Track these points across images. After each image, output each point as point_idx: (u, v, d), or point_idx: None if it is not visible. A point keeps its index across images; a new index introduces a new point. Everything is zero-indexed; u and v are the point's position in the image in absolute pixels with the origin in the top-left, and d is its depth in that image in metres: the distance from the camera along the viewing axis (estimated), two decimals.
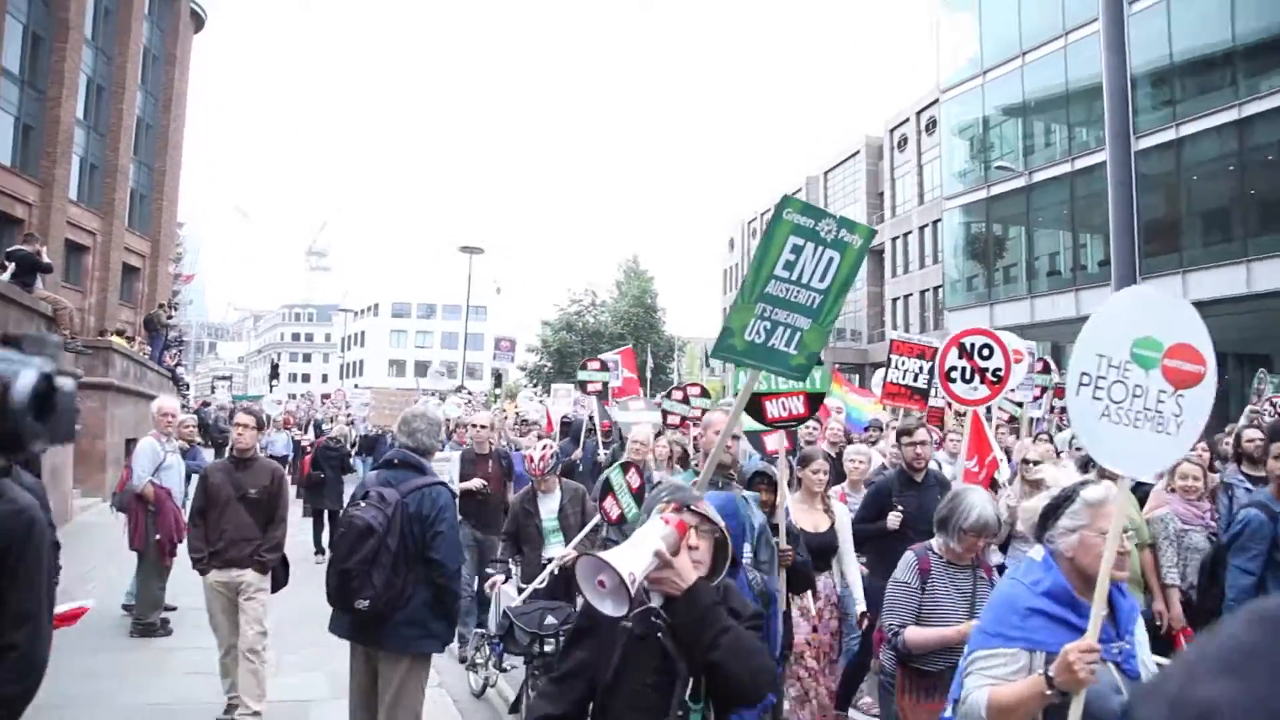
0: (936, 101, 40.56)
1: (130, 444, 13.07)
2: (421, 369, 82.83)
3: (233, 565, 5.94)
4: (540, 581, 6.13)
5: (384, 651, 4.55)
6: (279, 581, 6.17)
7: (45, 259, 13.70)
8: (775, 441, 5.88)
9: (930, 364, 8.85)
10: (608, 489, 5.91)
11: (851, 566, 6.03)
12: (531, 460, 6.71)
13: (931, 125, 44.25)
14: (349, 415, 23.41)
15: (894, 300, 48.28)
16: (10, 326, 10.89)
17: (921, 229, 46.06)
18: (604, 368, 12.94)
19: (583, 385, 12.96)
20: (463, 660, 7.50)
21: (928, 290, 45.10)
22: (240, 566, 5.95)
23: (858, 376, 44.79)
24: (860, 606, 5.94)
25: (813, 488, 5.97)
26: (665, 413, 10.74)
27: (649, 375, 34.95)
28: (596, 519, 6.12)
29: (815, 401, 5.07)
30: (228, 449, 6.36)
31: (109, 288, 32.87)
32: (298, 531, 12.66)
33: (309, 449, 14.53)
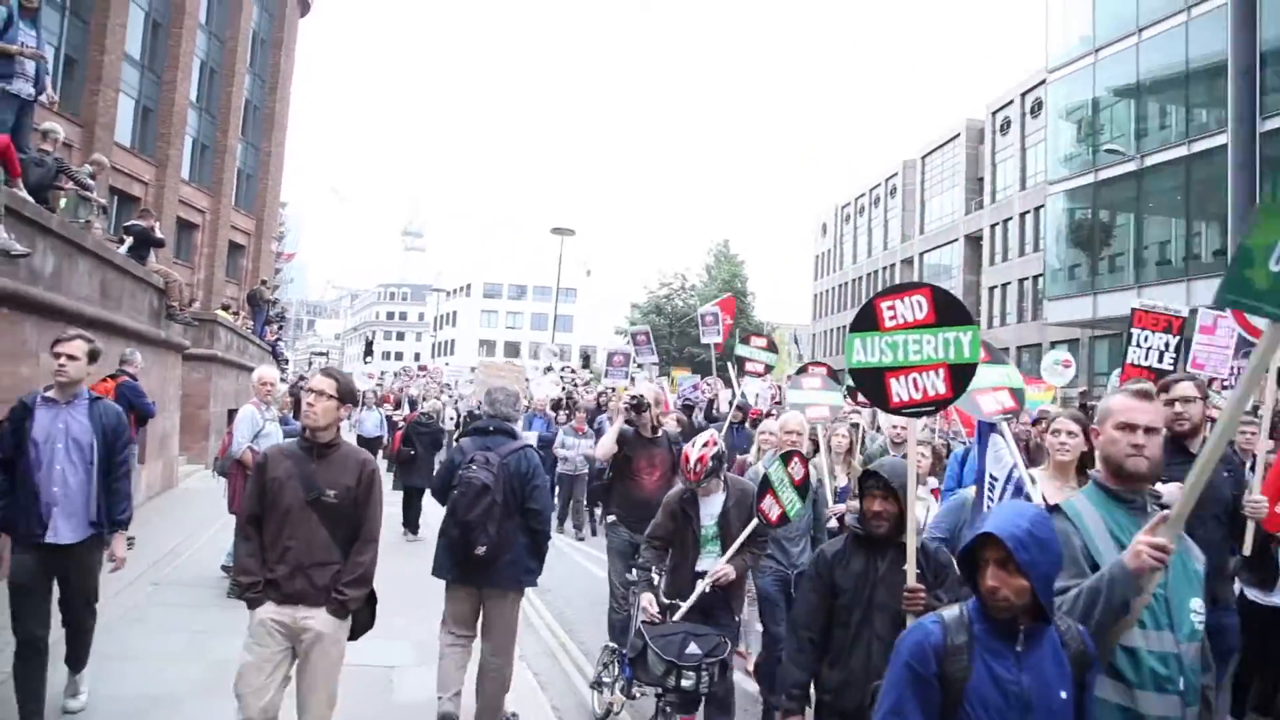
0: (1043, 83, 39.10)
1: (232, 414, 13.52)
2: (512, 349, 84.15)
3: (298, 601, 4.11)
4: (691, 600, 5.12)
5: (491, 589, 5.41)
6: (361, 626, 4.37)
7: (158, 234, 14.20)
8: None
9: (1179, 338, 7.55)
10: (766, 486, 5.26)
11: None
12: (688, 460, 5.36)
13: (1036, 107, 42.70)
14: (450, 392, 23.85)
15: (990, 289, 46.90)
16: (125, 297, 11.34)
17: (1022, 215, 44.56)
18: (771, 347, 11.70)
19: (740, 364, 11.74)
20: (594, 685, 6.17)
21: (1026, 279, 43.64)
22: (309, 604, 4.12)
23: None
24: None
25: (1059, 457, 4.51)
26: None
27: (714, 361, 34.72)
28: (753, 524, 5.24)
29: (962, 378, 3.75)
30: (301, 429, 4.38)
31: (216, 264, 34.16)
32: (388, 504, 12.90)
33: (401, 424, 14.64)
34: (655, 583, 5.34)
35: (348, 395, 4.31)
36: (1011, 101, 46.22)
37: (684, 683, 4.66)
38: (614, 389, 14.56)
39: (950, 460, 6.63)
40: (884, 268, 60.08)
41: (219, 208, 34.28)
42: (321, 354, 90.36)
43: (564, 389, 20.33)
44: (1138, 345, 7.57)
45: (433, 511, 13.10)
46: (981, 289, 47.83)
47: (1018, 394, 5.36)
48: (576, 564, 11.40)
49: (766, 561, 5.91)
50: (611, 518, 7.23)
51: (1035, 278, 42.01)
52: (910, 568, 3.59)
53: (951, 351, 3.70)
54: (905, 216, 58.59)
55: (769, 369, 11.66)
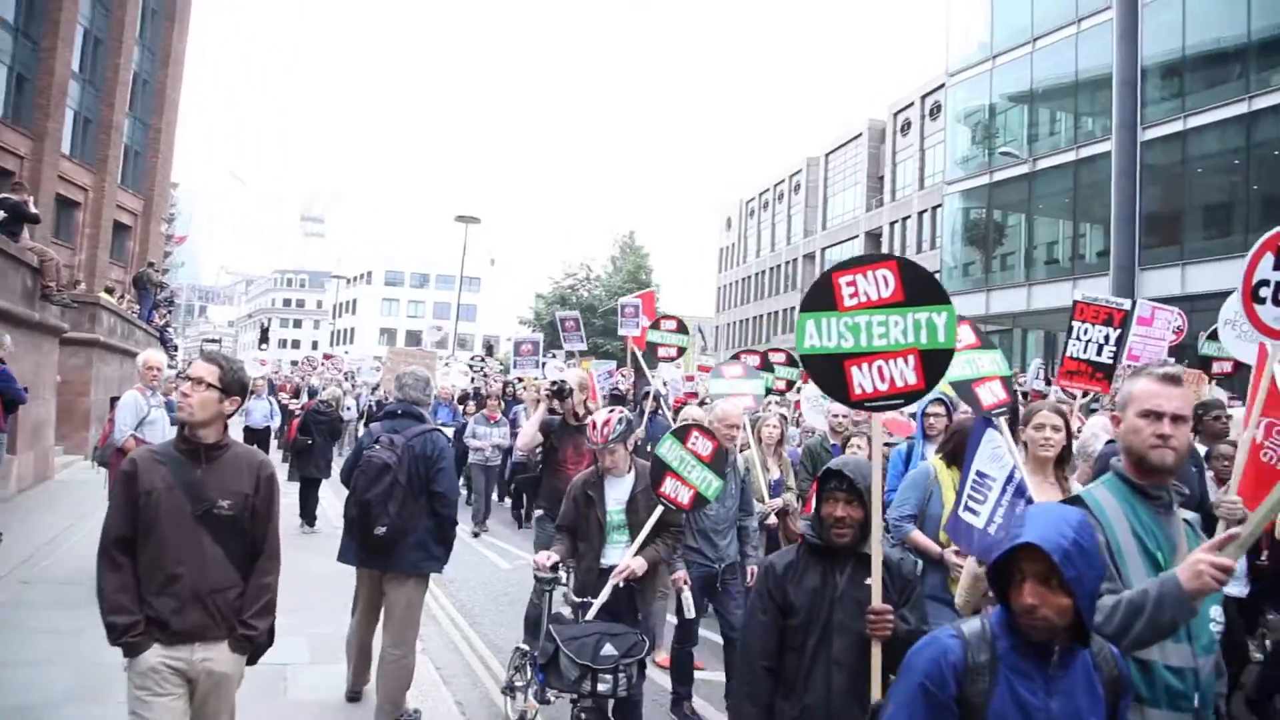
0: (942, 86, 40.24)
1: (115, 401, 12.85)
2: (413, 338, 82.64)
3: (194, 638, 3.39)
4: (601, 598, 4.78)
5: (392, 573, 5.36)
6: (261, 647, 3.65)
7: (33, 209, 13.40)
8: (990, 395, 4.88)
9: (1119, 332, 7.27)
10: (662, 468, 4.89)
11: None
12: (594, 427, 5.03)
13: (936, 110, 43.98)
14: (354, 380, 23.08)
15: None
16: None
17: (920, 214, 45.89)
18: (681, 328, 11.23)
19: (653, 350, 11.39)
20: (505, 689, 5.63)
21: None
22: (209, 639, 3.43)
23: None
24: None
25: (1040, 453, 4.41)
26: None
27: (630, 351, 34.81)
28: (658, 511, 4.90)
29: (935, 366, 3.27)
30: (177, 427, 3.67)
31: (99, 245, 32.45)
32: (284, 494, 12.44)
33: (297, 413, 14.11)
34: (564, 580, 5.11)
35: (234, 386, 3.51)
36: (912, 103, 47.48)
37: (600, 686, 4.31)
38: (521, 380, 14.21)
39: (892, 457, 6.58)
40: (786, 262, 61.06)
41: (103, 186, 32.54)
42: (214, 341, 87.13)
43: (473, 379, 19.94)
44: (1077, 338, 7.44)
45: (331, 504, 12.78)
46: None
47: (1008, 383, 5.21)
48: (478, 554, 11.22)
49: (690, 555, 5.69)
50: (539, 511, 6.95)
51: (934, 274, 43.12)
52: (876, 584, 3.13)
53: (924, 335, 3.22)
54: (808, 212, 59.64)
55: (681, 351, 11.30)
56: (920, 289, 3.27)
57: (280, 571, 3.69)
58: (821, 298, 3.37)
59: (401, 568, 5.32)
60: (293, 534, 10.93)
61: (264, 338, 50.65)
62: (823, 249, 57.21)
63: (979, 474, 3.84)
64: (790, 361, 11.32)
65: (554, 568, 4.99)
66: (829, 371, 3.37)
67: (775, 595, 3.28)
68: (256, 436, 14.87)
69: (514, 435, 13.15)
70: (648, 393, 10.40)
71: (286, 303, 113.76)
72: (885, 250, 48.94)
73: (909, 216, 47.05)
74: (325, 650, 6.27)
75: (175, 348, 29.60)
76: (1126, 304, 7.47)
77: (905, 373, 3.26)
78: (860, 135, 53.63)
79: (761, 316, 64.42)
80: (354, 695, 5.70)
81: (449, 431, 13.26)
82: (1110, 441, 5.43)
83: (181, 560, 3.35)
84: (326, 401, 13.07)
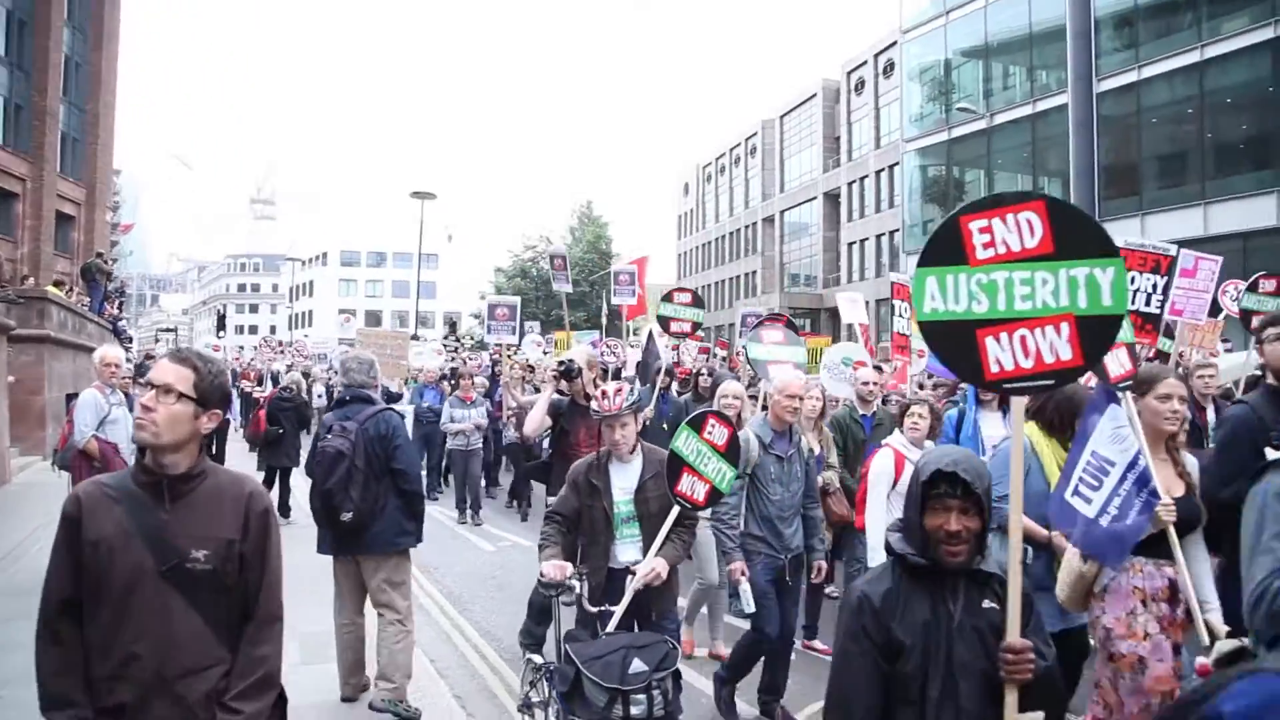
0: (894, 44, 40.11)
1: (71, 399, 12.39)
2: (373, 318, 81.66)
3: None
4: (621, 607, 4.18)
5: (368, 555, 5.37)
6: None
7: None
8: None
9: (1166, 280, 6.69)
10: (678, 464, 4.35)
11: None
12: (605, 395, 4.44)
13: (889, 68, 43.78)
14: (321, 365, 22.52)
15: (850, 245, 48.19)
16: None
17: (878, 173, 45.80)
18: (696, 301, 10.72)
19: (664, 324, 10.65)
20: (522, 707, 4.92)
21: (884, 234, 44.97)
22: None
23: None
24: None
25: (1165, 426, 4.01)
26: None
27: (604, 321, 34.55)
28: (674, 512, 4.35)
29: (1098, 337, 2.67)
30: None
31: (42, 237, 31.36)
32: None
33: (262, 401, 13.66)
34: (578, 591, 4.25)
35: (213, 394, 2.58)
36: (865, 62, 47.23)
37: (634, 710, 3.72)
38: (503, 352, 13.75)
39: (944, 424, 6.04)
40: (745, 226, 60.97)
41: (41, 175, 31.37)
42: (169, 330, 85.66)
43: (448, 358, 19.50)
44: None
45: (304, 491, 12.49)
46: (841, 245, 49.10)
47: (1133, 351, 4.50)
48: (461, 538, 11.02)
49: (755, 546, 5.20)
50: (554, 499, 6.08)
51: (892, 233, 43.32)
52: (1014, 615, 2.48)
53: (1082, 296, 2.60)
54: (765, 175, 59.45)
55: (696, 326, 10.73)
56: (1077, 237, 2.61)
57: (282, 643, 2.68)
58: (947, 248, 2.71)
59: (376, 549, 5.36)
60: None
61: (221, 325, 49.42)
62: (781, 211, 57.16)
63: (1095, 455, 3.34)
64: (696, 301, 11.06)
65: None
66: (956, 343, 2.73)
67: (874, 634, 2.53)
68: (212, 432, 14.17)
69: (493, 415, 12.86)
70: (659, 368, 9.85)
71: (241, 288, 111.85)
72: (844, 211, 48.95)
73: (866, 176, 46.96)
74: (317, 649, 6.03)
75: (129, 339, 28.93)
76: (1173, 250, 7.30)
77: (1057, 345, 2.63)
78: (815, 96, 53.37)
79: (723, 281, 64.31)
80: (349, 696, 5.55)
81: (410, 411, 13.05)
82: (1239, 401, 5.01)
83: (143, 634, 2.42)
84: (288, 388, 12.66)
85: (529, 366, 14.54)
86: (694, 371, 11.15)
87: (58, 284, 22.97)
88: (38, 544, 9.37)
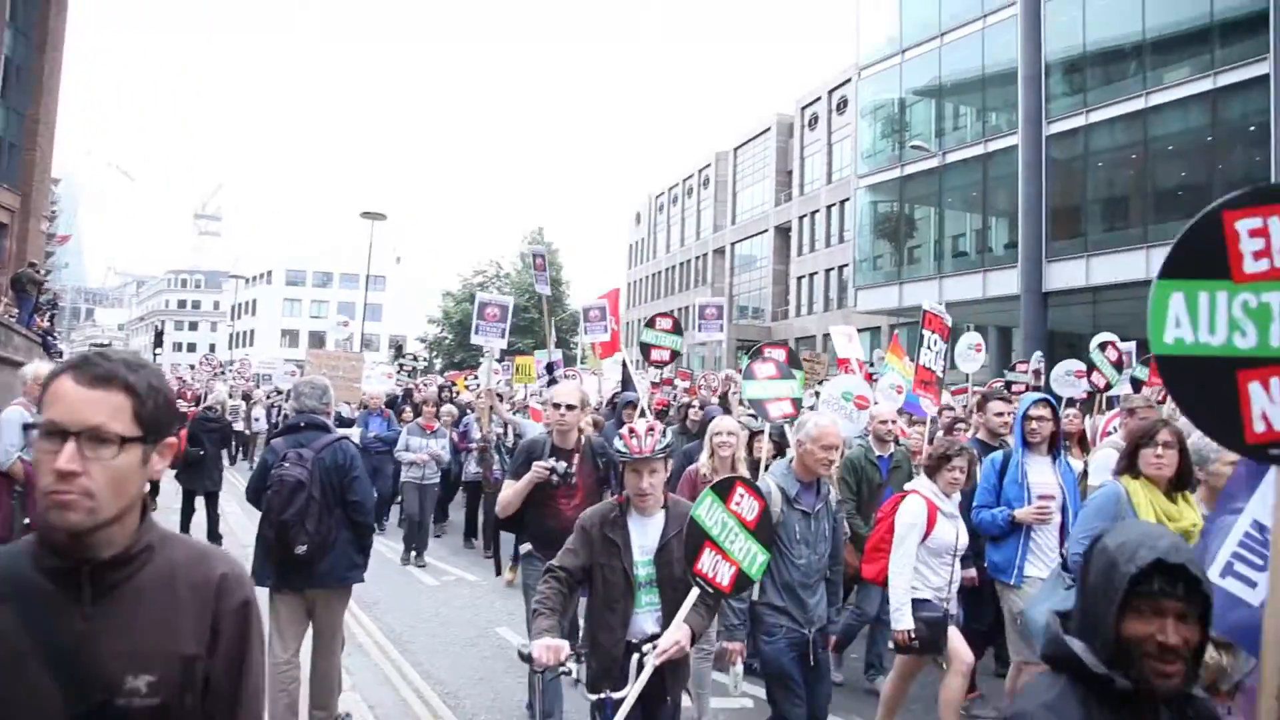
0: (849, 81, 40.76)
1: None
2: (316, 339, 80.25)
3: None
4: (635, 689, 3.42)
5: (317, 589, 5.20)
6: None
7: None
8: None
9: None
10: (700, 539, 3.53)
11: None
12: (633, 434, 3.69)
13: (843, 104, 44.47)
14: (265, 387, 21.81)
15: (799, 279, 48.59)
16: None
17: (829, 208, 46.36)
18: (676, 328, 10.03)
19: (645, 351, 9.99)
20: None
21: (833, 269, 45.48)
22: None
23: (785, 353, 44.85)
24: None
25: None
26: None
27: (550, 348, 34.35)
28: (694, 594, 3.56)
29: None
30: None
31: None
32: (171, 511, 11.36)
33: (186, 416, 12.47)
34: (575, 676, 3.43)
35: (162, 418, 1.64)
36: (819, 98, 47.93)
37: None
38: (479, 379, 13.09)
39: (985, 467, 5.60)
40: (696, 257, 61.22)
41: None
42: (102, 345, 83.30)
43: (398, 382, 18.95)
44: (928, 348, 7.70)
45: (234, 515, 11.99)
46: (790, 278, 49.48)
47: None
48: (404, 573, 10.45)
49: (775, 618, 4.39)
50: (526, 547, 5.43)
51: (840, 268, 43.85)
52: None
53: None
54: (717, 207, 59.83)
55: (675, 355, 10.32)
56: None
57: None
58: (1202, 255, 2.12)
59: (327, 582, 5.21)
60: None
61: (158, 341, 48.08)
62: (732, 243, 57.52)
63: (1256, 525, 2.65)
64: (676, 329, 10.32)
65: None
66: (1208, 388, 2.10)
67: None
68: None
69: (460, 449, 12.04)
70: (631, 401, 9.17)
71: (181, 304, 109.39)
72: (795, 244, 49.43)
73: (817, 210, 47.50)
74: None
75: (60, 354, 27.82)
76: None
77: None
78: (768, 130, 53.96)
79: (672, 312, 64.28)
80: None
81: (356, 435, 12.45)
82: None
83: None
84: (213, 407, 12.03)
85: (497, 395, 13.43)
86: (681, 404, 10.44)
87: None
88: None
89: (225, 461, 17.45)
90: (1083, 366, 11.68)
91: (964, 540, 5.16)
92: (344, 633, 5.52)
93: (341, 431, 5.83)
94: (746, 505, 3.65)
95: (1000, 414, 6.43)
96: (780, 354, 7.53)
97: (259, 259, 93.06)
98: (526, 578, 5.45)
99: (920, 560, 4.99)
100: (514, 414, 12.07)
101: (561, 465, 5.17)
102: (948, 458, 5.14)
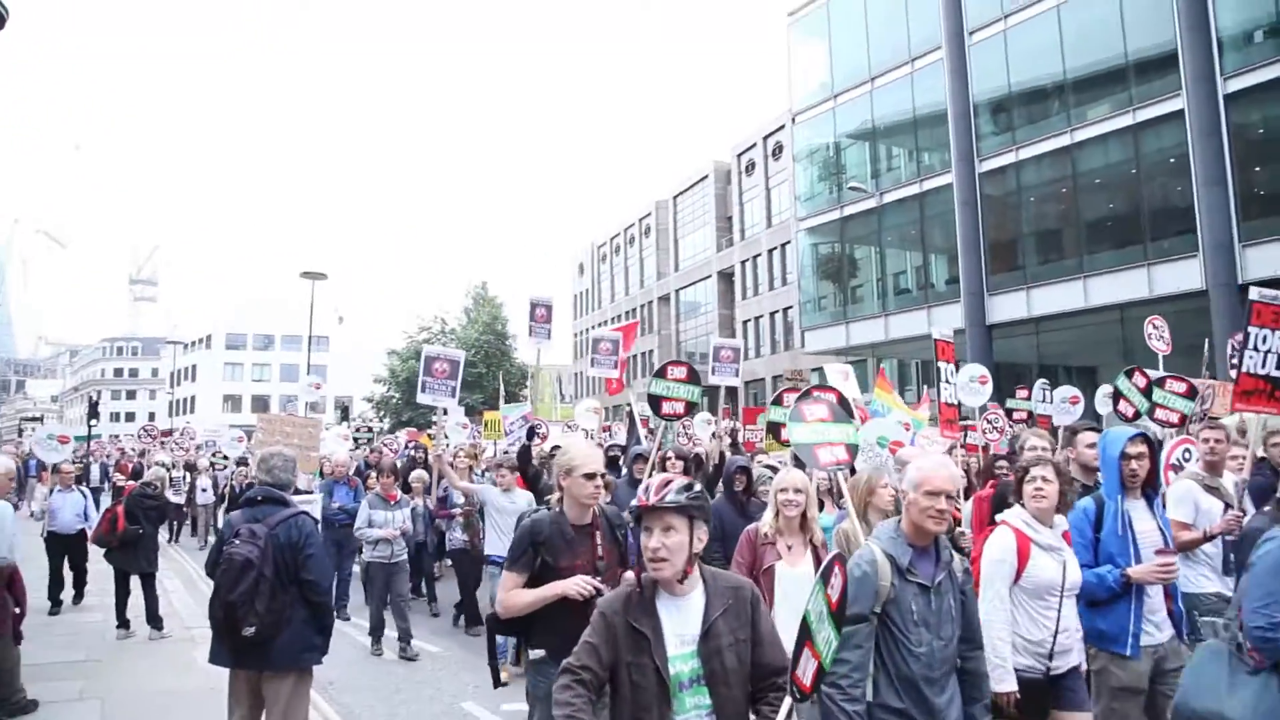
0: (783, 128, 41.63)
1: None
2: (260, 403, 78.76)
3: None
4: None
5: (270, 671, 5.00)
6: None
7: None
8: None
9: None
10: (804, 637, 2.94)
11: None
12: (648, 494, 2.99)
13: (778, 150, 45.38)
14: (212, 455, 21.15)
15: (744, 322, 49.02)
16: None
17: (770, 251, 47.04)
18: (692, 377, 9.00)
19: (655, 404, 9.03)
20: None
21: (778, 311, 46.02)
22: None
23: (705, 400, 45.12)
24: None
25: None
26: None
27: (501, 403, 34.10)
28: (788, 706, 3.00)
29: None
30: None
31: None
32: (103, 594, 10.89)
33: (123, 491, 11.63)
34: None
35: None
36: (754, 145, 48.84)
37: None
38: (426, 437, 12.46)
39: (1075, 516, 4.68)
40: (641, 305, 61.49)
41: None
42: (34, 419, 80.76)
43: (358, 446, 18.23)
44: (1255, 348, 6.00)
45: (177, 595, 11.46)
46: (736, 322, 49.89)
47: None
48: (362, 646, 9.78)
49: None
50: (538, 652, 4.21)
51: (785, 310, 44.42)
52: None
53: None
54: (660, 255, 60.35)
55: (690, 407, 9.26)
56: None
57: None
58: None
59: (279, 664, 5.01)
60: (139, 645, 9.74)
61: (93, 412, 46.58)
62: (676, 290, 57.96)
63: None
64: (692, 377, 9.38)
65: None
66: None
67: None
68: (65, 544, 11.39)
69: (438, 517, 11.15)
70: (639, 455, 8.42)
71: (118, 373, 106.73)
72: (739, 289, 49.92)
73: (759, 255, 48.13)
74: None
75: None
76: None
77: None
78: (706, 177, 54.74)
79: (623, 363, 64.39)
80: None
81: (317, 509, 11.78)
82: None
83: None
84: (152, 484, 11.28)
85: (473, 454, 12.72)
86: (697, 455, 9.49)
87: None
88: None
89: (166, 538, 16.97)
90: (1077, 393, 11.76)
91: (1074, 576, 4.30)
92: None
93: (301, 503, 5.67)
94: (835, 584, 3.03)
95: (1092, 445, 5.36)
96: (832, 396, 6.82)
97: (198, 323, 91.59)
98: (535, 688, 4.20)
99: (1015, 604, 4.23)
100: (483, 475, 11.32)
101: (606, 588, 3.87)
102: (1026, 471, 4.40)
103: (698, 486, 3.07)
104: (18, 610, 7.17)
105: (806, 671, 2.92)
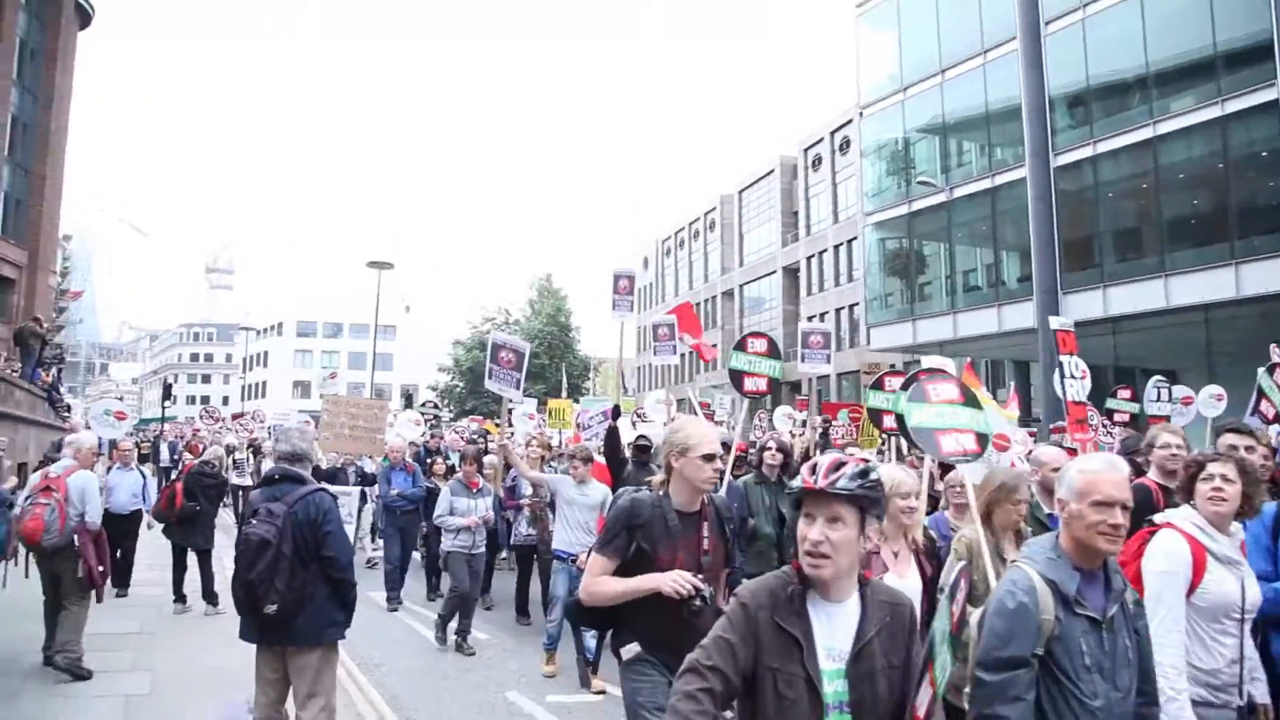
0: (850, 122, 40.97)
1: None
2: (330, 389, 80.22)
3: None
4: None
5: (294, 647, 5.05)
6: None
7: None
8: None
9: None
10: (926, 662, 2.61)
11: None
12: (813, 469, 2.56)
13: (845, 145, 44.70)
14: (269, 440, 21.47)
15: (809, 318, 48.37)
16: None
17: (836, 247, 46.41)
18: (773, 350, 8.29)
19: (737, 380, 8.39)
20: None
21: (843, 308, 45.37)
22: None
23: (769, 396, 44.70)
24: None
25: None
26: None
27: (564, 394, 34.16)
28: None
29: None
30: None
31: None
32: (160, 568, 11.18)
33: (178, 474, 12.04)
34: None
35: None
36: (821, 139, 48.21)
37: None
38: (496, 424, 11.91)
39: (1251, 534, 4.05)
40: (705, 300, 61.19)
41: None
42: (116, 399, 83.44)
43: (425, 431, 18.05)
44: None
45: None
46: (800, 318, 49.24)
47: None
48: (407, 627, 9.95)
49: None
50: (633, 648, 3.66)
51: (851, 307, 43.75)
52: None
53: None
54: (725, 250, 59.97)
55: (773, 384, 8.52)
56: None
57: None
58: None
59: (302, 641, 5.06)
60: (194, 619, 9.98)
61: (167, 394, 48.20)
62: (740, 285, 57.52)
63: None
64: (773, 350, 8.67)
65: None
66: None
67: None
68: (121, 524, 10.57)
69: (507, 507, 10.62)
70: (764, 445, 7.55)
71: (194, 357, 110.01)
72: (804, 285, 49.30)
73: (825, 250, 47.52)
74: None
75: (67, 408, 27.67)
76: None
77: None
78: (772, 172, 54.24)
79: (685, 354, 64.16)
80: None
81: (355, 493, 11.57)
82: None
83: None
84: (210, 462, 11.45)
85: (545, 444, 12.25)
86: (759, 445, 8.66)
87: None
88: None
89: (232, 519, 17.24)
90: (1190, 393, 11.22)
91: (1254, 596, 3.59)
92: (333, 699, 5.21)
93: (339, 494, 5.83)
94: (959, 600, 2.67)
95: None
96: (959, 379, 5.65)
97: (270, 311, 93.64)
98: (635, 693, 3.61)
99: (1193, 620, 3.51)
100: (551, 466, 10.86)
101: (707, 589, 3.41)
102: (1200, 466, 3.71)
103: (875, 474, 2.57)
104: (100, 569, 7.73)
105: (922, 703, 2.50)
